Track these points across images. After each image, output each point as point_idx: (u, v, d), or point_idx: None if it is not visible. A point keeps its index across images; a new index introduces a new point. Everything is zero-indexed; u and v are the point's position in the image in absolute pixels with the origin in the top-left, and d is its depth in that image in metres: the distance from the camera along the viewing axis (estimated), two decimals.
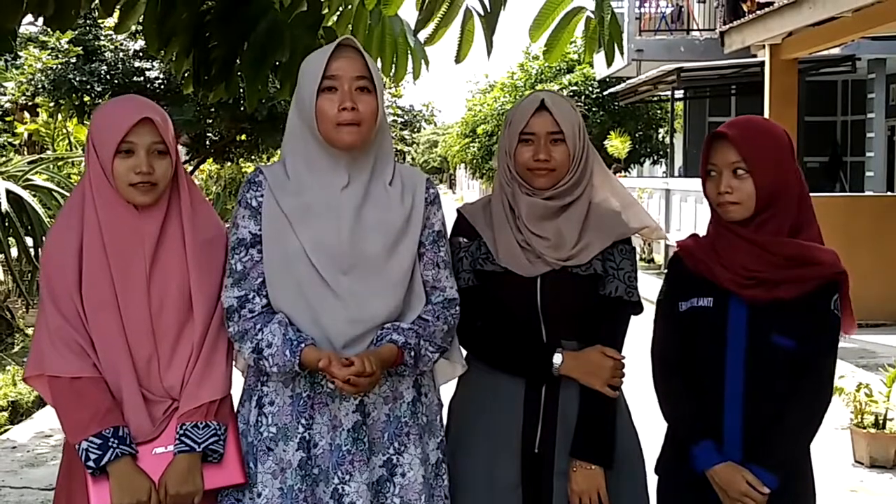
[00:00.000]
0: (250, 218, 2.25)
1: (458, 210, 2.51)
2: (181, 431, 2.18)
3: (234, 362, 2.37)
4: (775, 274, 2.25)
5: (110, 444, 2.10)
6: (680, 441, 2.36)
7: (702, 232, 2.44)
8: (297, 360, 2.13)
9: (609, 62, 3.20)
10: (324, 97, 2.20)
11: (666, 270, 2.50)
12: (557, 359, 2.33)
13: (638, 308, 2.42)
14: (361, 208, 2.22)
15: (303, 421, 2.20)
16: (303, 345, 2.14)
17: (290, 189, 2.24)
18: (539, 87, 20.86)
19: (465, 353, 2.44)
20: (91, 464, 2.09)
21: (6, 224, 6.68)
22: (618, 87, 17.93)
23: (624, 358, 2.38)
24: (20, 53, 12.99)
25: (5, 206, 6.56)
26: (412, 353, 2.20)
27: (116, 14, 3.48)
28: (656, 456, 2.47)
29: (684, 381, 2.34)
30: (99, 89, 12.94)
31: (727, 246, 2.31)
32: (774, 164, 2.27)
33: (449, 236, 2.43)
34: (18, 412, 6.37)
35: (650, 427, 2.54)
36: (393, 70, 3.58)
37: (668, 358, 2.38)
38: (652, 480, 2.46)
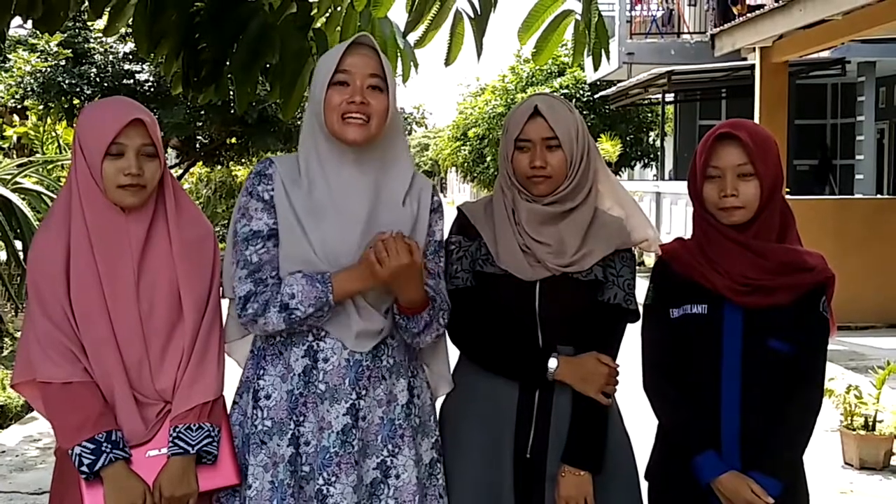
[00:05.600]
0: (264, 210, 2.22)
1: (458, 208, 2.48)
2: (174, 434, 2.17)
3: (231, 354, 2.36)
4: (771, 280, 2.25)
5: (103, 448, 2.09)
6: (674, 448, 2.34)
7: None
8: (331, 287, 2.12)
9: (596, 66, 3.19)
10: (334, 90, 2.18)
11: (651, 274, 2.46)
12: (552, 363, 2.32)
13: (635, 316, 2.41)
14: (374, 211, 2.20)
15: (294, 418, 2.19)
16: (329, 274, 2.14)
17: (301, 185, 2.21)
18: (530, 90, 20.86)
19: (458, 354, 2.44)
20: (85, 469, 2.08)
21: None
22: (608, 91, 17.93)
23: (618, 366, 2.37)
24: (9, 56, 12.93)
25: None
26: (433, 300, 2.23)
27: (105, 16, 3.47)
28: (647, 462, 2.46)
29: (678, 388, 2.33)
30: (88, 92, 12.90)
31: (721, 251, 2.28)
32: (775, 166, 2.28)
33: (448, 234, 2.42)
34: (7, 416, 6.33)
35: (645, 432, 2.54)
36: None
37: (662, 365, 2.36)
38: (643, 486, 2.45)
